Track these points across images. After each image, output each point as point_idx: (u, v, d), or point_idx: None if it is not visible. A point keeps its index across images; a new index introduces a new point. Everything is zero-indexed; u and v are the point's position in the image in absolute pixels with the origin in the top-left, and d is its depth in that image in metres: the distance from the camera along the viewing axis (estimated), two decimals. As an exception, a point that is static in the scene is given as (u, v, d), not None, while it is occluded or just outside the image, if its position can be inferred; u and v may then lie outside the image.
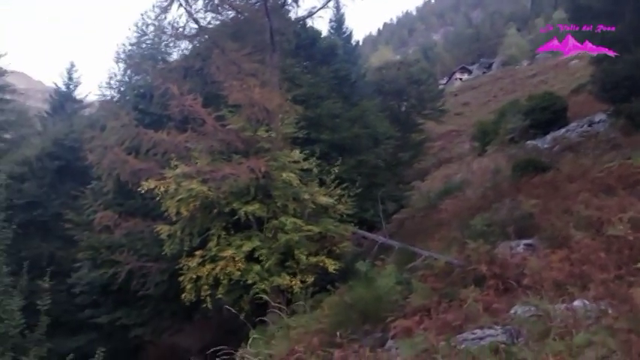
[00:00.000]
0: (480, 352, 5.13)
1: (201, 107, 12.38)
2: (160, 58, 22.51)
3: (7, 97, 33.14)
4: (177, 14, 21.36)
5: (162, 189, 11.94)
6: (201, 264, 12.04)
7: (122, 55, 29.88)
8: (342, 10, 37.05)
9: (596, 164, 12.94)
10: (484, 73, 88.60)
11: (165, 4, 13.28)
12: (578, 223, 8.74)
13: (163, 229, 12.25)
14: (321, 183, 13.71)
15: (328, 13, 41.20)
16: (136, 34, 28.72)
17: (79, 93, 38.86)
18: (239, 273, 11.76)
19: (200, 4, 14.39)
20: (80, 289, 17.75)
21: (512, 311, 6.26)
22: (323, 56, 22.15)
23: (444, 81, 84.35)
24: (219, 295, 11.80)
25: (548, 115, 20.97)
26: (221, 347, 7.32)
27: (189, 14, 13.65)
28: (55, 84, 38.71)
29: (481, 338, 5.64)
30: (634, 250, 7.06)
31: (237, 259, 11.82)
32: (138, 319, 16.40)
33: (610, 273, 6.55)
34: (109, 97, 29.58)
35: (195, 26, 14.10)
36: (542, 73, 59.84)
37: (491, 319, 6.19)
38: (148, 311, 16.27)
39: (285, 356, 7.40)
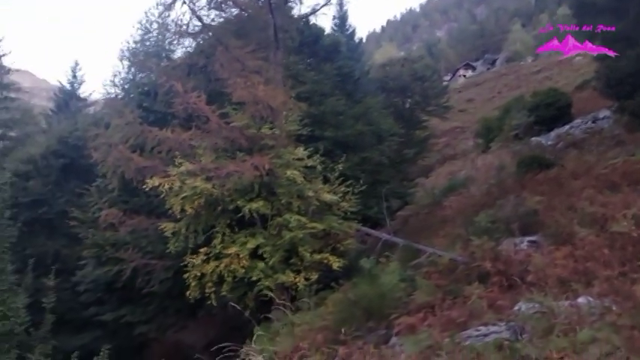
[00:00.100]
0: (484, 349, 5.14)
1: (205, 105, 12.40)
2: (163, 55, 22.50)
3: (12, 95, 33.16)
4: (180, 12, 21.30)
5: (166, 186, 11.97)
6: (206, 261, 12.07)
7: (126, 53, 30.02)
8: (345, 7, 37.13)
9: (600, 161, 12.91)
10: (488, 69, 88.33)
11: (169, 1, 13.34)
12: (583, 219, 8.73)
13: (168, 227, 12.29)
14: (325, 180, 13.70)
15: (331, 10, 41.16)
16: (139, 32, 28.83)
17: (84, 91, 39.06)
18: (243, 270, 11.78)
19: (203, 1, 14.42)
20: (85, 287, 17.81)
21: (516, 308, 6.26)
22: (326, 53, 22.12)
23: (448, 77, 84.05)
24: (224, 292, 11.84)
25: (552, 111, 20.92)
26: (226, 344, 7.33)
27: (193, 12, 13.69)
28: (60, 82, 38.90)
29: (485, 335, 5.64)
30: (638, 246, 7.05)
31: (241, 256, 11.85)
32: (142, 316, 16.46)
33: (614, 270, 6.54)
34: (113, 95, 29.67)
35: (199, 24, 14.15)
36: (547, 70, 59.61)
37: (495, 316, 6.19)
38: (152, 308, 16.33)
39: (289, 353, 7.42)
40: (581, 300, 5.78)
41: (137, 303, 16.22)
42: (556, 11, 77.46)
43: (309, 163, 13.28)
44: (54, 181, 22.85)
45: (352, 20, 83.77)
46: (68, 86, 38.02)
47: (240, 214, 12.15)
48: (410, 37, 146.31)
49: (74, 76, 37.96)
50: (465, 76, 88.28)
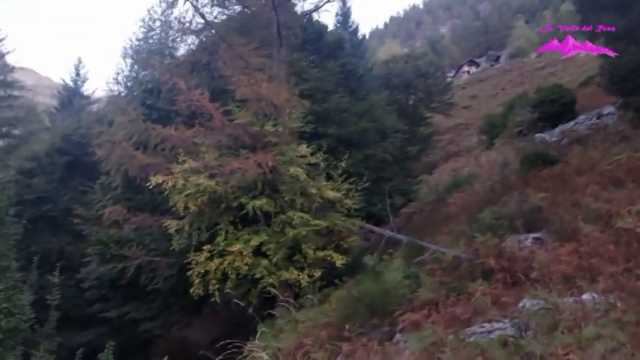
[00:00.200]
0: (489, 346, 5.14)
1: (209, 102, 12.40)
2: (167, 53, 22.57)
3: (16, 93, 33.28)
4: (183, 9, 21.45)
5: (170, 184, 11.97)
6: (210, 258, 12.08)
7: (129, 51, 30.06)
8: (348, 4, 37.13)
9: (604, 157, 12.86)
10: (492, 65, 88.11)
11: (172, -1, 13.31)
12: (587, 216, 8.72)
13: (172, 224, 12.31)
14: (329, 177, 13.69)
15: (334, 7, 41.14)
16: (142, 30, 28.87)
17: (87, 89, 39.15)
18: (247, 267, 11.79)
19: (206, -2, 14.40)
20: (89, 284, 17.86)
21: (520, 305, 6.26)
22: (330, 50, 22.08)
23: (452, 74, 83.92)
24: (228, 290, 11.85)
25: (556, 107, 20.83)
26: (230, 341, 7.35)
27: (196, 9, 13.68)
28: (63, 80, 38.98)
29: (490, 332, 5.64)
30: (643, 242, 7.03)
31: (244, 253, 11.86)
32: (147, 313, 16.49)
33: (619, 266, 6.53)
34: (116, 93, 29.74)
35: (202, 21, 14.15)
36: (551, 66, 59.37)
37: (499, 313, 6.19)
38: (156, 305, 16.36)
39: (293, 350, 7.44)
40: (585, 296, 5.77)
41: (141, 300, 16.25)
42: (560, 7, 77.11)
43: (313, 160, 13.28)
44: (58, 178, 22.89)
45: (355, 17, 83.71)
46: (71, 84, 38.12)
47: (244, 212, 12.16)
48: (413, 34, 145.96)
49: (77, 74, 38.08)
50: (468, 72, 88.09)
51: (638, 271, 6.22)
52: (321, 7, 16.49)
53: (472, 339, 5.53)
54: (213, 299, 12.08)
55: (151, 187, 12.27)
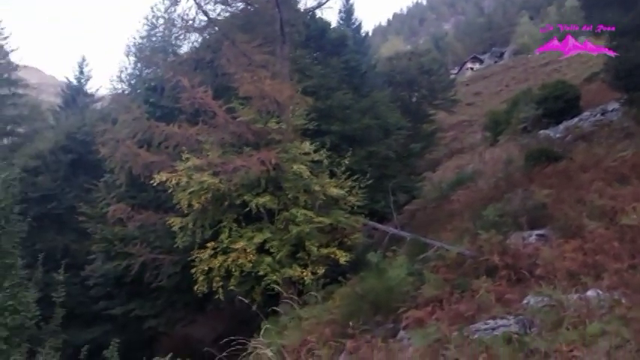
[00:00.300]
0: (493, 342, 5.13)
1: (212, 100, 12.40)
2: (170, 50, 22.52)
3: (20, 91, 33.41)
4: (186, 6, 21.53)
5: (173, 181, 12.00)
6: (213, 256, 12.11)
7: (133, 49, 30.07)
8: (351, 1, 37.07)
9: (609, 153, 12.82)
10: (496, 62, 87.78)
11: (175, -4, 13.31)
12: (592, 212, 8.69)
13: (175, 222, 12.34)
14: (332, 174, 13.70)
15: (337, 4, 41.20)
16: (146, 28, 28.86)
17: (91, 87, 39.22)
18: (250, 264, 11.81)
19: (210, -4, 14.38)
20: (94, 281, 17.92)
21: (524, 301, 6.25)
22: (333, 47, 22.03)
23: (456, 71, 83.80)
24: (231, 287, 11.88)
25: (560, 104, 20.80)
26: (234, 338, 7.36)
27: (199, 6, 13.66)
28: (67, 78, 39.08)
29: (494, 328, 5.64)
30: (648, 239, 7.01)
31: (248, 250, 11.88)
32: (151, 310, 16.55)
33: (623, 262, 6.51)
34: (120, 91, 29.75)
35: (205, 18, 14.13)
36: (555, 62, 59.10)
37: (503, 310, 6.18)
38: (161, 303, 16.42)
39: (297, 347, 7.44)
40: (590, 293, 5.76)
41: (146, 297, 16.30)
42: (564, 3, 76.81)
43: (316, 157, 13.28)
44: (62, 176, 22.96)
45: (358, 14, 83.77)
46: (75, 82, 38.19)
47: (247, 209, 12.17)
48: (417, 31, 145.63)
49: (81, 72, 38.18)
50: (472, 69, 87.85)
51: (643, 268, 6.21)
52: (324, 3, 16.49)
53: (476, 336, 5.52)
54: (217, 296, 12.12)
55: (154, 184, 12.31)
